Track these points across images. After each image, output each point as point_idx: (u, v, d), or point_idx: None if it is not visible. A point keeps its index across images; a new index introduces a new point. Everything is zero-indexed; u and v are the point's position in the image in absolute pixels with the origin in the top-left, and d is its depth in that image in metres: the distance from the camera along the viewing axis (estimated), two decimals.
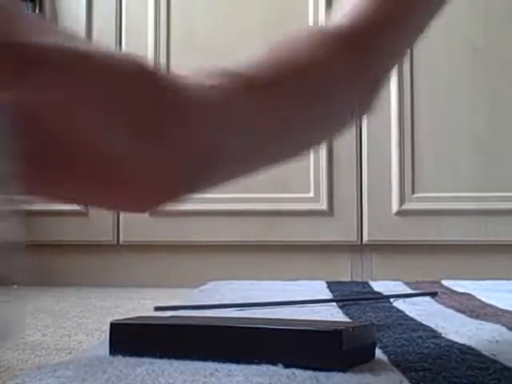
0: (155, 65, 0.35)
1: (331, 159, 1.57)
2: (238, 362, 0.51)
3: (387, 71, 0.53)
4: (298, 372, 0.48)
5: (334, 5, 1.59)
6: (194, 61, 1.62)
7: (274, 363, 0.50)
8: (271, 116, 0.43)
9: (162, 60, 1.62)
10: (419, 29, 0.52)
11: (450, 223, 1.55)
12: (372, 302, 0.99)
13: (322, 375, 0.47)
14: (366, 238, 1.55)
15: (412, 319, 0.78)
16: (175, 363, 0.52)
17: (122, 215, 1.61)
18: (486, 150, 1.56)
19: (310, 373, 0.48)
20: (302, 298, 1.03)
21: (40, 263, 1.63)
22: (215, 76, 0.40)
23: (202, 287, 1.31)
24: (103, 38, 1.64)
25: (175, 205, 0.39)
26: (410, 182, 1.54)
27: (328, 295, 1.12)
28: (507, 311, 0.85)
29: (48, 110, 0.32)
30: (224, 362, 0.52)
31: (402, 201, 1.54)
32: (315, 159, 1.56)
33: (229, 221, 1.58)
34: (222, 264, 1.58)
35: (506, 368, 0.48)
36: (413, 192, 1.55)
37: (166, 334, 0.56)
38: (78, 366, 0.52)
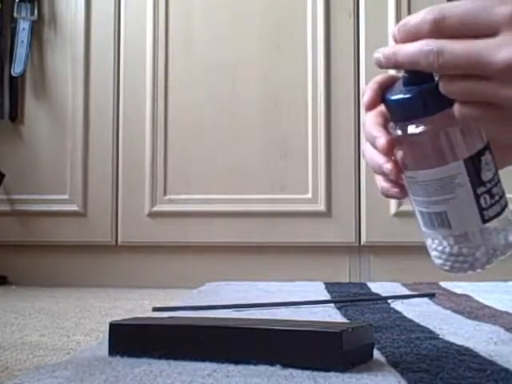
0: None
1: (329, 160, 1.57)
2: (236, 362, 0.52)
3: None
4: (295, 372, 0.48)
5: (332, 8, 1.59)
6: (193, 65, 1.63)
7: (273, 364, 0.50)
8: None
9: (161, 65, 1.62)
10: None
11: None
12: (370, 303, 1.00)
13: (319, 376, 0.47)
14: (364, 239, 1.55)
15: (410, 320, 0.78)
16: (173, 364, 0.52)
17: (120, 216, 1.61)
18: None
19: (307, 373, 0.48)
20: (300, 299, 1.03)
21: (39, 263, 1.63)
22: None
23: (201, 288, 1.32)
24: (101, 42, 1.64)
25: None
26: None
27: (326, 296, 1.12)
28: (505, 312, 0.86)
29: None
30: (222, 362, 0.52)
31: (399, 202, 1.54)
32: (313, 160, 1.57)
33: (227, 222, 1.58)
34: (220, 265, 1.58)
35: (504, 369, 0.49)
36: None
37: (164, 334, 0.56)
38: (76, 367, 0.52)
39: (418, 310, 0.89)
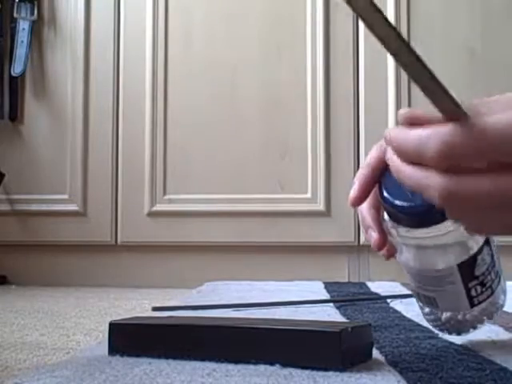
0: None
1: (329, 160, 1.57)
2: (235, 362, 0.52)
3: None
4: (295, 372, 0.48)
5: (332, 8, 1.59)
6: (193, 66, 1.63)
7: (272, 363, 0.50)
8: None
9: (160, 65, 1.62)
10: None
11: None
12: (369, 302, 1.00)
13: (319, 375, 0.48)
14: (363, 238, 1.55)
15: (409, 320, 0.79)
16: (173, 363, 0.52)
17: (119, 216, 1.61)
18: None
19: (307, 373, 0.48)
20: (299, 298, 1.03)
21: (38, 263, 1.63)
22: None
23: (200, 288, 1.32)
24: (101, 42, 1.65)
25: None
26: None
27: (325, 296, 1.12)
28: (504, 312, 0.86)
29: None
30: (222, 362, 0.52)
31: None
32: (313, 160, 1.57)
33: (226, 221, 1.59)
34: (220, 265, 1.58)
35: (503, 369, 0.49)
36: None
37: (163, 334, 0.56)
38: (76, 366, 0.52)
39: (417, 310, 0.89)
